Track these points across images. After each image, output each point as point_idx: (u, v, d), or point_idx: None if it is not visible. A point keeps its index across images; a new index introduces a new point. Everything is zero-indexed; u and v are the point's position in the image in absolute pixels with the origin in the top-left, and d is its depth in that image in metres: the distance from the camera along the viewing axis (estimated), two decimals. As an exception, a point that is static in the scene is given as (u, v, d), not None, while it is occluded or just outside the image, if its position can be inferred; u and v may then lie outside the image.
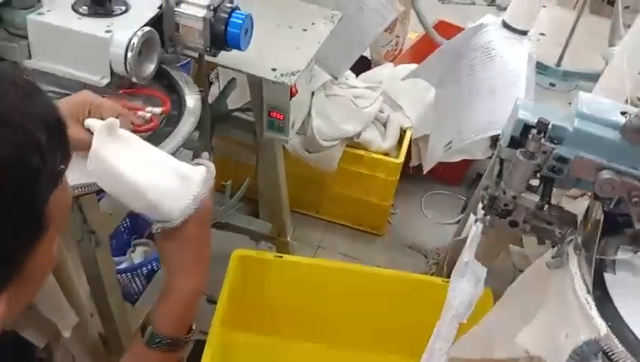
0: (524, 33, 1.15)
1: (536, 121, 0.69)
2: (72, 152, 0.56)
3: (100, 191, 0.87)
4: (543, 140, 0.69)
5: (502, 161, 0.76)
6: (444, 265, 2.01)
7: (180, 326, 0.75)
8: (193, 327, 0.78)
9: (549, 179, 0.73)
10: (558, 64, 1.20)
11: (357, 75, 2.09)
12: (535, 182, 0.74)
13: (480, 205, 0.79)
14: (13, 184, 0.46)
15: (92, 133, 0.72)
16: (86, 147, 0.74)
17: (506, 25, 1.16)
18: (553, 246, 0.78)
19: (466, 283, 0.81)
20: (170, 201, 0.71)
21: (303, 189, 2.05)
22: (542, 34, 1.36)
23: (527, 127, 0.72)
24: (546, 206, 0.73)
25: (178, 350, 0.74)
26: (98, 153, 0.70)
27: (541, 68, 1.19)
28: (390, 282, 1.56)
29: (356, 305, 1.59)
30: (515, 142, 0.73)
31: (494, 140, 1.47)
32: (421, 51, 2.45)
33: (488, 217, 0.77)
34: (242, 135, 1.41)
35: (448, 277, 2.02)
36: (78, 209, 0.97)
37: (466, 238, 0.88)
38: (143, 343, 0.72)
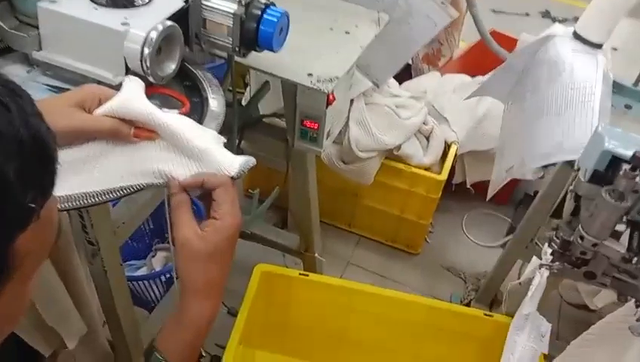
0: (598, 46, 1.00)
1: (630, 154, 0.55)
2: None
3: (110, 201, 0.78)
4: (638, 178, 0.55)
5: (578, 198, 0.63)
6: (484, 293, 1.86)
7: (191, 357, 0.66)
8: (203, 354, 0.69)
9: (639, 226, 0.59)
10: (636, 83, 1.05)
11: (399, 83, 1.96)
12: (621, 227, 0.60)
13: (546, 248, 0.66)
14: None
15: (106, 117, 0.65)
16: (95, 135, 0.65)
17: (577, 36, 1.01)
18: (638, 306, 0.63)
19: (526, 337, 0.68)
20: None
21: (336, 201, 1.94)
22: (614, 48, 1.20)
23: (615, 161, 0.58)
24: (635, 258, 0.59)
25: None
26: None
27: (615, 87, 1.03)
28: (424, 310, 1.43)
29: (384, 332, 1.47)
30: (598, 178, 0.59)
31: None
32: (471, 61, 2.31)
33: (557, 264, 0.64)
34: (273, 143, 1.30)
35: (487, 307, 1.86)
36: (79, 219, 0.87)
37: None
38: None
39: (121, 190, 0.68)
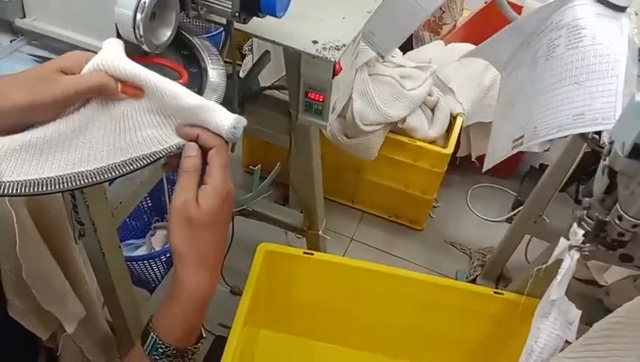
0: (622, 9, 0.94)
1: (678, 125, 0.49)
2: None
3: (99, 183, 0.73)
4: (687, 153, 0.49)
5: (613, 174, 0.57)
6: (490, 268, 1.83)
7: (187, 335, 0.62)
8: (204, 335, 0.65)
9: (682, 204, 0.54)
10: (660, 49, 0.99)
11: (403, 53, 1.89)
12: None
13: (575, 228, 0.61)
14: None
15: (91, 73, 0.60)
16: (83, 95, 0.59)
17: (599, -2, 0.94)
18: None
19: (551, 324, 0.64)
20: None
21: (338, 176, 1.89)
22: (635, 13, 1.14)
23: (659, 133, 0.52)
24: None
25: None
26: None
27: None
28: (431, 288, 1.39)
29: (389, 310, 1.44)
30: (639, 152, 0.54)
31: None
32: (475, 30, 2.24)
33: (589, 246, 0.59)
34: (274, 116, 1.23)
35: (494, 283, 1.82)
36: (71, 199, 0.82)
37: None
38: (143, 353, 0.60)
39: (121, 167, 0.62)
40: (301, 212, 1.66)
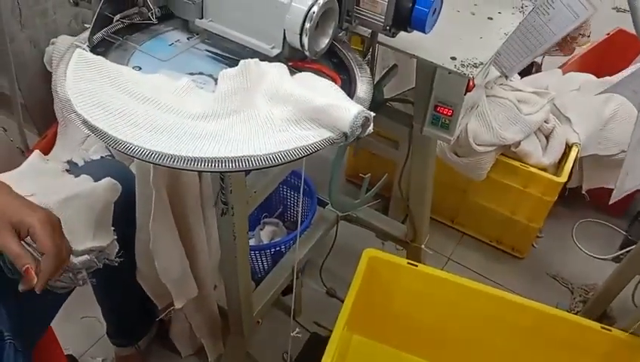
0: None
1: None
2: None
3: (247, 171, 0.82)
4: None
5: None
6: (593, 306, 1.76)
7: None
8: None
9: None
10: None
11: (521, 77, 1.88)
12: None
13: None
14: None
15: None
16: None
17: None
18: None
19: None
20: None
21: (442, 195, 1.89)
22: None
23: None
24: None
25: None
26: None
27: None
28: (534, 315, 1.36)
29: (488, 333, 1.42)
30: None
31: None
32: (593, 60, 2.19)
33: None
34: (396, 127, 1.28)
35: (597, 320, 1.76)
36: (220, 182, 0.91)
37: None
38: None
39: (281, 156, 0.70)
40: (402, 222, 1.70)
